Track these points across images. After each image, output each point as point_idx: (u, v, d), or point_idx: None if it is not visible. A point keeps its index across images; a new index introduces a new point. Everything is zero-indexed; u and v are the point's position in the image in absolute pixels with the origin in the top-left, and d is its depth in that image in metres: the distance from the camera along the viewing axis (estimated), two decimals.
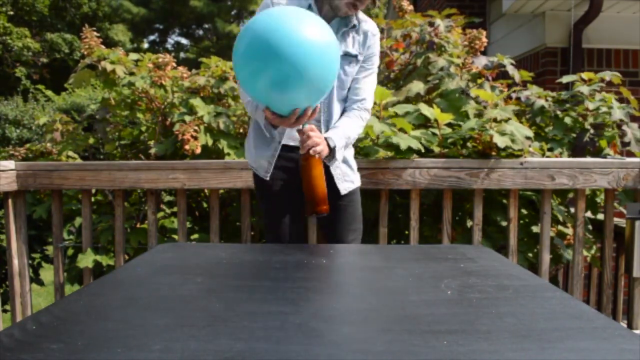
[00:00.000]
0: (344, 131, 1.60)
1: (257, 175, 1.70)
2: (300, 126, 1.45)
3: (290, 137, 1.62)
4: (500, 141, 1.97)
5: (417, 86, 2.32)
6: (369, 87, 1.67)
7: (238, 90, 1.65)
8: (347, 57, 1.60)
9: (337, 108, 1.63)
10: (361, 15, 1.64)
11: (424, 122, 2.19)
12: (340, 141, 1.57)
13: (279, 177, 1.67)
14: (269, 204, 1.72)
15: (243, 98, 1.61)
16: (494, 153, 2.06)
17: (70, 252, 2.44)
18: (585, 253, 2.26)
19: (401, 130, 2.10)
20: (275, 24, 1.30)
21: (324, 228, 1.84)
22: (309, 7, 1.56)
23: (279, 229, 1.70)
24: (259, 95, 1.39)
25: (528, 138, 2.06)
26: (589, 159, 2.15)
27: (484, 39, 2.52)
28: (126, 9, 17.23)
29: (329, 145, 1.52)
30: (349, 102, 1.66)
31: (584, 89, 2.37)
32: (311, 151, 1.45)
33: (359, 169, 1.90)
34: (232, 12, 19.37)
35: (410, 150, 2.01)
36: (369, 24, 1.65)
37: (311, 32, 1.31)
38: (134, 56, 2.48)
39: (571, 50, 3.63)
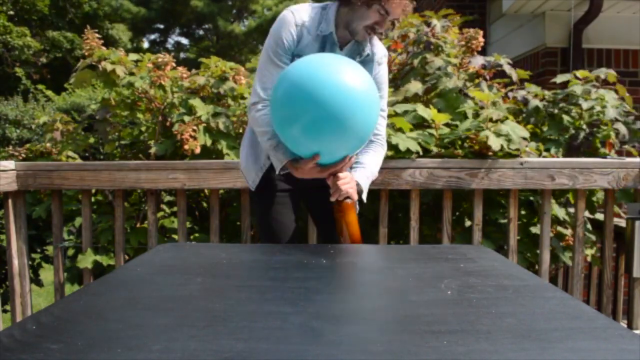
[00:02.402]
0: (370, 169, 1.59)
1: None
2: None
3: None
4: (495, 143, 1.96)
5: (414, 86, 2.32)
6: (382, 121, 1.65)
7: (249, 117, 1.62)
8: None
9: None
10: (375, 40, 1.61)
11: (421, 122, 2.19)
12: (366, 184, 1.57)
13: (277, 179, 1.66)
14: (268, 209, 1.70)
15: (258, 127, 1.55)
16: (490, 153, 2.06)
17: (70, 252, 2.44)
18: (586, 252, 2.26)
19: (400, 130, 2.10)
20: (315, 70, 1.31)
21: (320, 225, 1.84)
22: (330, 34, 1.53)
23: (274, 235, 1.69)
24: (291, 140, 1.37)
25: (524, 138, 2.06)
26: (589, 159, 2.15)
27: (481, 39, 2.52)
28: (126, 9, 17.23)
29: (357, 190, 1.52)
30: None
31: (577, 88, 2.36)
32: (345, 199, 1.46)
33: None
34: (233, 12, 19.36)
35: (409, 151, 2.01)
36: (378, 49, 1.61)
37: (353, 79, 1.31)
38: (133, 56, 2.48)
39: (571, 50, 3.63)
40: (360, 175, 1.55)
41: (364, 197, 1.58)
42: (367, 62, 1.59)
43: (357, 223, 1.52)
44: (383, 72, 1.64)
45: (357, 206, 1.57)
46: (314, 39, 1.52)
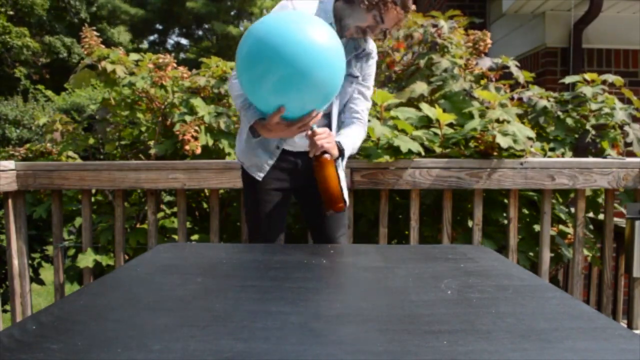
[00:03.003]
0: (352, 139, 1.60)
1: (248, 173, 1.69)
2: (308, 130, 1.45)
3: (289, 143, 1.62)
4: (503, 141, 1.97)
5: (420, 87, 2.32)
6: (365, 102, 1.68)
7: (228, 86, 1.61)
8: (350, 77, 1.60)
9: (335, 123, 1.63)
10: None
11: (426, 124, 2.20)
12: (348, 146, 1.57)
13: (274, 177, 1.66)
14: (260, 205, 1.70)
15: (233, 91, 1.57)
16: (495, 153, 2.06)
17: (70, 252, 2.44)
18: (586, 252, 2.26)
19: (402, 131, 2.10)
20: (280, 26, 1.30)
21: (313, 223, 1.83)
22: (330, 24, 1.53)
23: (267, 231, 1.69)
24: (262, 99, 1.37)
25: (530, 138, 2.06)
26: (589, 159, 2.15)
27: (489, 40, 2.52)
28: (124, 11, 17.22)
29: (338, 148, 1.52)
30: (348, 114, 1.67)
31: (587, 90, 2.37)
32: (323, 154, 1.45)
33: (360, 169, 1.91)
34: (232, 13, 19.36)
35: (410, 152, 2.01)
36: (371, 43, 1.65)
37: (317, 35, 1.30)
38: (134, 56, 2.48)
39: (571, 50, 3.63)
40: (342, 138, 1.56)
41: (343, 163, 1.58)
42: (362, 56, 1.62)
43: (337, 179, 1.50)
44: (373, 64, 1.68)
45: (339, 165, 1.56)
46: None
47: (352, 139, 1.61)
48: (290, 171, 1.66)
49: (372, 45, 1.66)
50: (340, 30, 1.55)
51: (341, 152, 1.53)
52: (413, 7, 2.29)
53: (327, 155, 1.46)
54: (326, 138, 1.46)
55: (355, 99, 1.66)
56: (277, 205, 1.70)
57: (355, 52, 1.59)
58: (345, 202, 1.52)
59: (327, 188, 1.48)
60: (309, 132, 1.45)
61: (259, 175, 1.65)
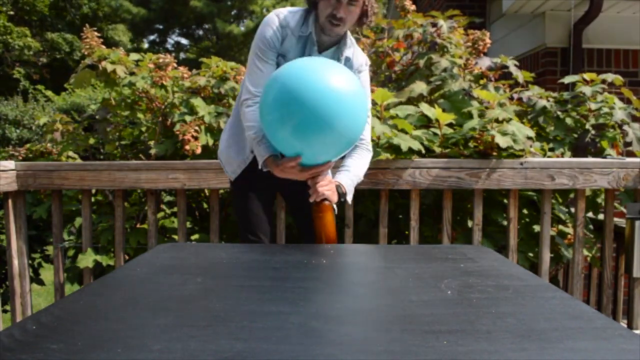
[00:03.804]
0: (355, 172, 1.62)
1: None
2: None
3: None
4: (502, 141, 1.97)
5: (419, 87, 2.32)
6: (367, 125, 1.67)
7: (240, 112, 1.64)
8: None
9: None
10: (356, 48, 1.67)
11: (425, 124, 2.20)
12: (350, 186, 1.59)
13: (255, 178, 1.68)
14: (245, 202, 1.73)
15: (247, 121, 1.58)
16: (495, 153, 2.06)
17: (70, 252, 2.44)
18: (586, 253, 2.26)
19: (402, 131, 2.10)
20: (303, 73, 1.34)
21: (299, 224, 1.85)
22: (310, 34, 1.58)
23: (253, 227, 1.72)
24: (283, 141, 1.40)
25: (529, 138, 2.06)
26: (589, 159, 2.15)
27: (488, 40, 2.52)
28: (126, 9, 17.22)
29: (338, 191, 1.54)
30: None
31: (587, 90, 2.37)
32: (323, 200, 1.48)
33: None
34: (232, 13, 19.36)
35: (410, 151, 2.01)
36: (358, 57, 1.67)
37: (341, 82, 1.34)
38: (134, 56, 2.48)
39: (571, 50, 3.63)
40: (344, 177, 1.58)
41: (349, 198, 1.60)
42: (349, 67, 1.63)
43: (334, 225, 1.54)
44: (364, 79, 1.69)
45: (336, 208, 1.58)
46: (297, 40, 1.59)
47: (355, 171, 1.62)
48: (268, 176, 1.68)
49: (360, 59, 1.67)
50: (324, 33, 1.57)
51: (340, 195, 1.56)
52: (413, 7, 2.30)
53: (327, 202, 1.50)
54: (327, 185, 1.49)
55: None
56: (261, 201, 1.73)
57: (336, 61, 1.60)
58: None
59: (324, 233, 1.52)
60: (311, 181, 1.48)
61: (232, 176, 1.72)
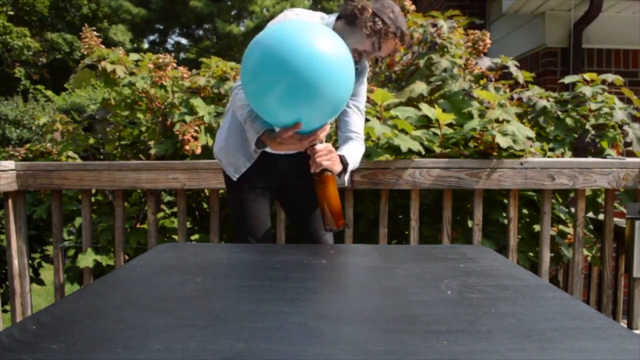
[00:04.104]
0: (354, 154, 1.61)
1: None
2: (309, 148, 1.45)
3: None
4: (503, 141, 1.97)
5: (419, 87, 2.32)
6: (359, 120, 1.69)
7: (231, 96, 1.61)
8: None
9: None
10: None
11: (426, 124, 2.20)
12: (352, 160, 1.58)
13: (254, 176, 1.66)
14: (243, 203, 1.70)
15: (237, 102, 1.55)
16: (495, 153, 2.06)
17: (70, 252, 2.44)
18: (586, 252, 2.26)
19: (402, 131, 2.10)
20: (287, 36, 1.27)
21: (297, 222, 1.83)
22: None
23: (253, 229, 1.69)
24: (271, 112, 1.34)
25: (529, 138, 2.06)
26: (589, 159, 2.15)
27: (488, 40, 2.52)
28: (126, 9, 17.22)
29: (342, 162, 1.52)
30: (344, 129, 1.68)
31: (587, 90, 2.37)
32: (326, 171, 1.45)
33: (360, 169, 1.90)
34: (232, 13, 19.36)
35: (410, 152, 2.01)
36: (365, 63, 1.67)
37: (327, 46, 1.28)
38: (134, 56, 2.48)
39: (571, 50, 3.63)
40: (345, 152, 1.56)
41: (347, 178, 1.58)
42: (356, 75, 1.61)
43: (338, 196, 1.50)
44: (364, 86, 1.71)
45: (340, 180, 1.56)
46: None
47: (354, 153, 1.61)
48: (269, 171, 1.67)
49: (366, 65, 1.69)
50: None
51: (345, 165, 1.53)
52: (413, 7, 2.31)
53: (328, 173, 1.47)
54: (326, 155, 1.45)
55: (350, 114, 1.67)
56: (259, 203, 1.70)
57: None
58: (343, 218, 1.53)
59: (328, 205, 1.48)
60: (309, 150, 1.45)
61: (235, 176, 1.66)
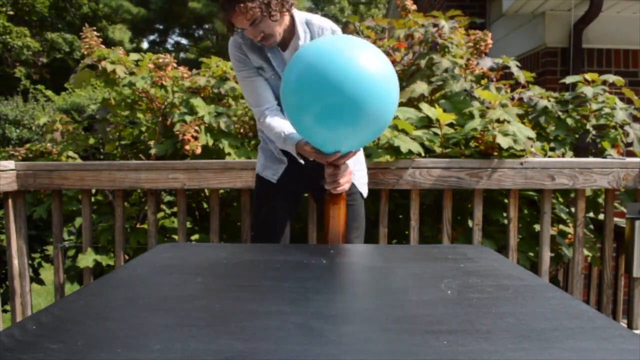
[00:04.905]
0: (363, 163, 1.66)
1: (262, 178, 1.74)
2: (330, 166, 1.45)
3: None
4: (504, 141, 1.97)
5: (420, 87, 2.32)
6: None
7: (262, 125, 1.63)
8: None
9: None
10: (313, 24, 1.66)
11: (427, 124, 2.20)
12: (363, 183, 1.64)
13: (286, 181, 1.71)
14: (267, 206, 1.75)
15: (271, 131, 1.57)
16: (495, 153, 2.06)
17: (70, 252, 2.44)
18: (586, 252, 2.26)
19: (402, 131, 2.10)
20: (330, 53, 1.23)
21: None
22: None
23: (271, 233, 1.74)
24: (308, 130, 1.32)
25: (530, 138, 2.06)
26: (589, 159, 2.14)
27: (489, 41, 2.52)
28: (126, 9, 17.22)
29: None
30: None
31: (588, 91, 2.37)
32: (340, 189, 1.46)
33: None
34: None
35: (410, 152, 2.01)
36: (316, 30, 1.66)
37: (371, 63, 1.22)
38: (134, 56, 2.48)
39: (571, 50, 3.63)
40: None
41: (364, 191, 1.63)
42: None
43: (345, 217, 1.51)
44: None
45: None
46: (259, 51, 1.60)
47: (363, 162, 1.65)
48: (300, 176, 1.70)
49: (322, 26, 1.66)
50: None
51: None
52: (414, 6, 2.31)
53: (343, 194, 1.48)
54: (346, 177, 1.45)
55: None
56: (286, 208, 1.75)
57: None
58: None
59: (334, 224, 1.49)
60: (331, 169, 1.43)
61: (274, 178, 1.72)
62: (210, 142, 2.27)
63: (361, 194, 1.76)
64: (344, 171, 1.44)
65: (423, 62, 2.43)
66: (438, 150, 2.14)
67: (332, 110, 1.21)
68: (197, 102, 2.31)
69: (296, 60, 1.28)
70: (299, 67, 1.25)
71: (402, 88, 2.47)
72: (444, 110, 2.16)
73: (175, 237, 2.44)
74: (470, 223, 2.22)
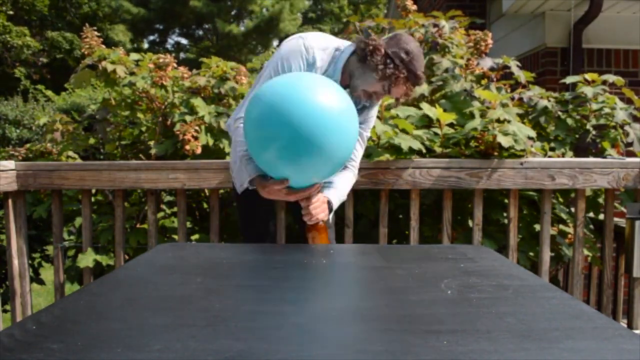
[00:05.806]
0: (340, 190, 1.60)
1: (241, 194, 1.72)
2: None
3: None
4: (505, 140, 1.97)
5: (420, 87, 2.32)
6: (359, 149, 1.68)
7: (229, 127, 1.63)
8: None
9: None
10: None
11: (427, 124, 2.20)
12: (336, 202, 1.58)
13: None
14: (249, 212, 1.75)
15: (236, 136, 1.54)
16: (496, 153, 2.06)
17: (70, 252, 2.44)
18: (586, 252, 2.26)
19: (403, 131, 2.10)
20: (289, 90, 1.26)
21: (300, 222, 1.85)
22: (335, 81, 1.50)
23: (257, 237, 1.75)
24: (268, 163, 1.34)
25: (530, 138, 2.06)
26: (589, 159, 2.14)
27: (490, 41, 2.52)
28: (126, 9, 17.22)
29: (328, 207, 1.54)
30: None
31: (588, 91, 2.37)
32: (314, 220, 1.48)
33: (360, 169, 1.89)
34: (232, 12, 19.36)
35: (411, 150, 2.01)
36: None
37: (328, 99, 1.25)
38: (134, 56, 2.48)
39: (571, 50, 3.63)
40: (332, 194, 1.56)
41: (331, 216, 1.59)
42: (371, 106, 1.63)
43: (328, 241, 1.55)
44: (374, 111, 1.68)
45: (329, 222, 1.60)
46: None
47: (340, 189, 1.60)
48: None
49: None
50: (348, 87, 1.53)
51: (330, 207, 1.54)
52: (414, 7, 2.30)
53: (320, 223, 1.50)
54: (320, 207, 1.47)
55: None
56: (268, 209, 1.75)
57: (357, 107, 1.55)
58: None
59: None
60: (303, 202, 1.46)
61: (239, 189, 1.67)
62: (211, 142, 2.27)
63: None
64: (315, 203, 1.46)
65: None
66: (438, 150, 2.14)
67: (290, 147, 1.25)
68: (197, 102, 2.31)
69: (257, 98, 1.31)
70: (259, 105, 1.29)
71: None
72: (444, 110, 2.16)
73: (175, 237, 2.44)
74: (470, 223, 2.22)
